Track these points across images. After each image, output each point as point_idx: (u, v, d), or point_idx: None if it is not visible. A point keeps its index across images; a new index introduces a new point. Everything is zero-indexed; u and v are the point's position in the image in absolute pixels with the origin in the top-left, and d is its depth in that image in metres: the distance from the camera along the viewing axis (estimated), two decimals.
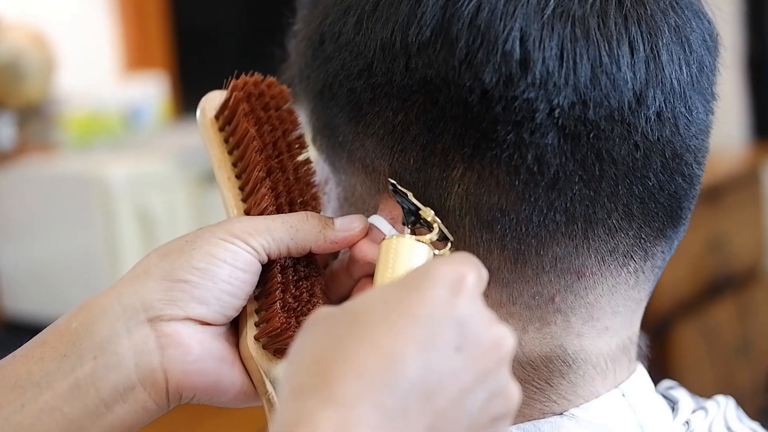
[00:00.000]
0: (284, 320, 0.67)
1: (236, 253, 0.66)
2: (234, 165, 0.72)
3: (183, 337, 0.65)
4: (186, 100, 2.67)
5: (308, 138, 0.74)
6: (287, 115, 0.72)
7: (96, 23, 2.60)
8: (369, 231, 0.69)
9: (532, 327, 0.67)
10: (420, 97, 0.65)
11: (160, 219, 2.11)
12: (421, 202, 0.66)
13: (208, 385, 0.66)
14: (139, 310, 0.65)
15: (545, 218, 0.65)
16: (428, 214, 0.66)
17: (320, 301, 0.69)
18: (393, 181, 0.67)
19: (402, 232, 0.67)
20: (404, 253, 0.65)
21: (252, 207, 0.70)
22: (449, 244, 0.66)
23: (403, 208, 0.66)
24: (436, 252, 0.66)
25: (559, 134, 0.63)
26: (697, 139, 0.68)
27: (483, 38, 0.63)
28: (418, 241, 0.65)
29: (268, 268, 0.68)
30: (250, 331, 0.67)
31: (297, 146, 0.72)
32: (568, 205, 0.64)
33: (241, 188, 0.71)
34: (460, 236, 0.65)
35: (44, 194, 2.20)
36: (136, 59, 2.63)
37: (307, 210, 0.70)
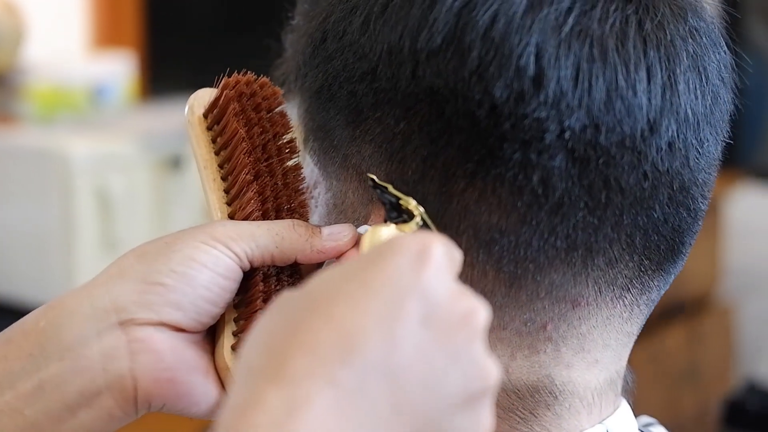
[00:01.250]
0: None
1: (217, 258, 0.63)
2: (220, 166, 0.69)
3: (155, 343, 0.62)
4: (154, 82, 2.63)
5: (299, 139, 0.71)
6: (279, 117, 0.69)
7: None
8: (358, 241, 0.66)
9: (520, 354, 0.65)
10: (425, 106, 0.62)
11: (120, 201, 2.07)
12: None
13: (180, 395, 0.62)
14: (110, 312, 0.62)
15: (546, 243, 0.62)
16: (409, 202, 0.63)
17: None
18: (372, 176, 0.64)
19: None
20: (376, 240, 0.63)
21: (237, 211, 0.67)
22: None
23: (384, 203, 0.64)
24: (406, 230, 0.63)
25: (568, 157, 0.61)
26: (705, 173, 0.66)
27: (497, 51, 0.61)
28: (399, 230, 0.63)
29: (250, 275, 0.65)
30: (227, 341, 0.64)
31: (287, 150, 0.69)
32: (570, 231, 0.62)
33: (227, 191, 0.68)
34: None
35: (2, 167, 2.15)
36: (107, 36, 2.60)
37: (294, 217, 0.67)
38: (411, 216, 0.63)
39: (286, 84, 0.72)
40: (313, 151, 0.69)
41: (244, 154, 0.67)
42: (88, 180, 2.05)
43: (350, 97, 0.65)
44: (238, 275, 0.64)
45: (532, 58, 0.61)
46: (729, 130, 0.68)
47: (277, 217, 0.67)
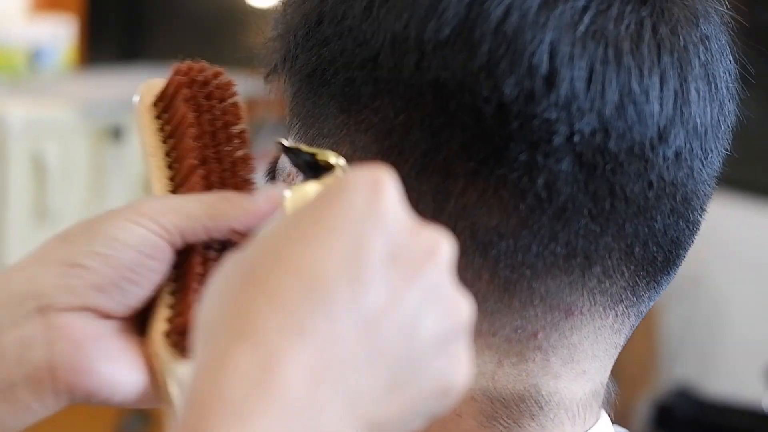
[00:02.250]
0: None
1: (143, 236, 0.58)
2: (168, 155, 0.65)
3: (75, 330, 0.57)
4: (94, 48, 2.59)
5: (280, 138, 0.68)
6: (231, 107, 0.66)
7: None
8: None
9: (508, 362, 0.63)
10: (428, 99, 0.60)
11: (56, 168, 2.03)
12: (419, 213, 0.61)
13: (102, 385, 0.58)
14: (28, 298, 0.57)
15: (545, 249, 0.60)
16: (327, 155, 0.58)
17: None
18: (282, 141, 0.61)
19: None
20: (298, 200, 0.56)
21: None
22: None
23: (300, 167, 0.60)
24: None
25: (575, 162, 0.59)
26: (707, 185, 0.64)
27: (509, 46, 0.58)
28: (323, 183, 0.57)
29: (185, 255, 0.61)
30: (159, 326, 0.60)
31: (238, 141, 0.65)
32: (570, 238, 0.60)
33: (172, 179, 0.65)
34: None
35: None
36: (47, 0, 2.55)
37: None
38: (331, 169, 0.58)
39: (270, 65, 0.69)
40: (299, 138, 0.66)
41: (191, 139, 0.64)
42: (24, 145, 2.00)
43: (346, 85, 0.62)
44: (167, 254, 0.59)
45: (545, 57, 0.58)
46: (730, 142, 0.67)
47: None
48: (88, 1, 2.64)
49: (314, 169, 0.59)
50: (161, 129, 0.66)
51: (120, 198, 1.82)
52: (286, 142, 0.60)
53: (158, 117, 0.66)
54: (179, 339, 0.59)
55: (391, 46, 0.60)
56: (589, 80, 0.59)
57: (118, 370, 0.58)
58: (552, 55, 0.58)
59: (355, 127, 0.62)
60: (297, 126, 0.66)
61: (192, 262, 0.61)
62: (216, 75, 0.66)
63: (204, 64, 0.66)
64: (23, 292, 0.58)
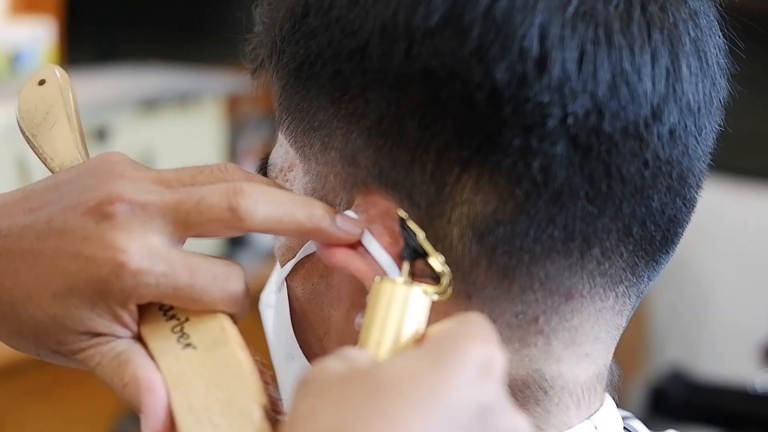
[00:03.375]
0: None
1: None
2: None
3: None
4: (73, 50, 2.57)
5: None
6: None
7: None
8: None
9: (510, 348, 0.62)
10: (420, 88, 0.59)
11: (40, 172, 2.00)
12: (406, 206, 0.60)
13: None
14: None
15: (543, 233, 0.60)
16: (437, 262, 0.60)
17: None
18: (403, 215, 0.60)
19: (397, 267, 0.60)
20: (401, 303, 0.58)
21: None
22: (448, 288, 0.60)
23: (407, 243, 0.60)
24: (432, 295, 0.59)
25: (570, 144, 0.59)
26: (701, 162, 0.64)
27: (499, 31, 0.58)
28: (423, 292, 0.59)
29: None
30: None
31: None
32: (568, 221, 0.60)
33: None
34: (446, 245, 0.60)
35: None
36: (24, 2, 2.54)
37: None
38: (433, 274, 0.60)
39: (257, 60, 0.68)
40: (289, 132, 0.66)
41: None
42: (7, 148, 1.98)
43: (335, 76, 0.62)
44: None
45: (536, 40, 0.58)
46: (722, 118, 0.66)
47: None
48: (65, 1, 2.62)
49: (416, 253, 0.60)
50: None
51: None
52: (408, 221, 0.60)
53: None
54: None
55: (379, 35, 0.60)
56: (581, 61, 0.58)
57: None
58: (542, 38, 0.58)
59: (347, 119, 0.61)
60: (287, 121, 0.66)
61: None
62: None
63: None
64: None
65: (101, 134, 2.06)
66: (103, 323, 0.59)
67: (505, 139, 0.58)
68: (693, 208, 0.65)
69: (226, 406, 0.58)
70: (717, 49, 0.64)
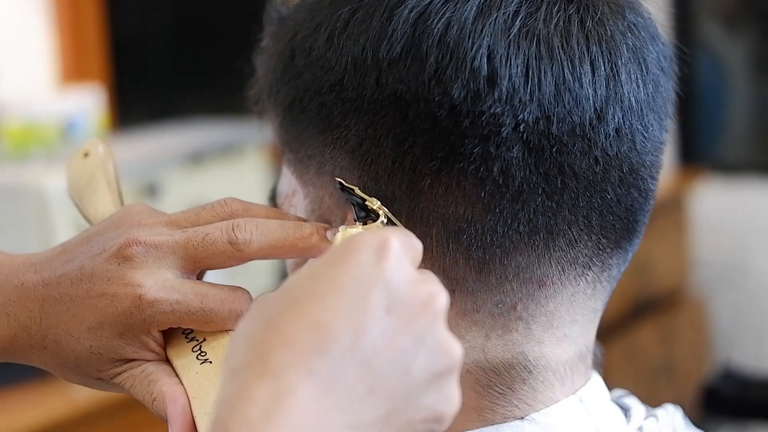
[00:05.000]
0: None
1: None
2: None
3: None
4: (122, 113, 2.67)
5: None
6: None
7: (33, 35, 2.59)
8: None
9: (494, 334, 0.70)
10: (390, 111, 0.67)
11: None
12: (392, 214, 0.68)
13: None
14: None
15: (509, 229, 0.67)
16: (373, 203, 0.67)
17: None
18: (340, 180, 0.68)
19: None
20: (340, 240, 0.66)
21: None
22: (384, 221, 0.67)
23: (352, 204, 0.68)
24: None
25: (524, 148, 0.66)
26: (652, 155, 0.71)
27: (452, 55, 0.66)
28: (365, 229, 0.67)
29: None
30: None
31: None
32: (531, 216, 0.67)
33: None
34: (427, 246, 0.67)
35: None
36: (73, 71, 2.63)
37: None
38: (377, 216, 0.68)
39: (260, 102, 0.77)
40: (289, 162, 0.74)
41: None
42: (65, 213, 2.07)
43: (320, 108, 0.70)
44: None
45: (484, 60, 0.66)
46: (673, 114, 0.73)
47: None
48: (112, 67, 2.72)
49: (364, 209, 0.68)
50: None
51: None
52: (344, 181, 0.69)
53: None
54: None
55: (353, 69, 0.68)
56: (527, 75, 0.66)
57: None
58: (490, 58, 0.66)
59: (333, 145, 0.70)
60: (287, 152, 0.74)
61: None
62: None
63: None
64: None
65: (152, 190, 2.15)
66: (131, 350, 0.68)
67: (466, 149, 0.66)
68: (651, 198, 0.72)
69: None
70: (660, 55, 0.72)
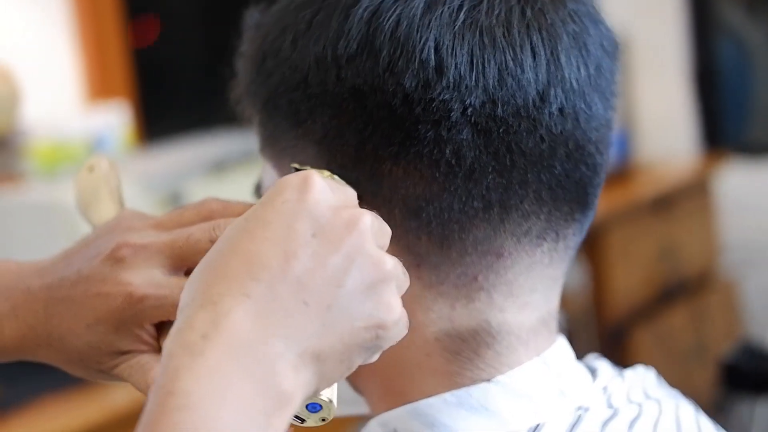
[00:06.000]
0: None
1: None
2: None
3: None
4: (148, 128, 2.73)
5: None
6: None
7: (57, 54, 2.65)
8: None
9: (459, 304, 0.74)
10: (351, 103, 0.72)
11: None
12: (359, 197, 0.73)
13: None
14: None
15: (465, 205, 0.72)
16: (323, 173, 0.72)
17: None
18: (294, 165, 0.74)
19: None
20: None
21: None
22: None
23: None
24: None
25: (473, 130, 0.71)
26: (597, 132, 0.75)
27: (402, 48, 0.71)
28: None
29: None
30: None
31: None
32: (484, 193, 0.72)
33: None
34: (392, 225, 0.72)
35: (12, 223, 2.24)
36: (99, 89, 2.69)
37: None
38: None
39: (240, 103, 0.83)
40: (268, 157, 0.80)
41: None
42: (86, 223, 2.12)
43: (290, 105, 0.75)
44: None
45: (432, 51, 0.71)
46: (617, 92, 0.78)
47: None
48: (137, 83, 2.78)
49: None
50: None
51: None
52: (297, 165, 0.74)
53: None
54: None
55: (315, 67, 0.73)
56: (471, 63, 0.71)
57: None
58: (437, 49, 0.71)
59: (303, 138, 0.75)
60: (266, 147, 0.80)
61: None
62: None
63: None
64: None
65: (176, 199, 2.21)
66: (127, 342, 0.73)
67: (420, 133, 0.71)
68: (600, 172, 0.77)
69: None
70: (602, 38, 0.76)
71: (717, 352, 3.05)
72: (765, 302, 3.39)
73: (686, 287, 3.20)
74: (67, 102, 2.65)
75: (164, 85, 2.93)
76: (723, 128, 3.58)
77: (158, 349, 0.74)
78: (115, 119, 2.55)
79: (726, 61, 3.55)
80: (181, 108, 2.88)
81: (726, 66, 3.56)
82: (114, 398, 1.97)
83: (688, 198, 3.28)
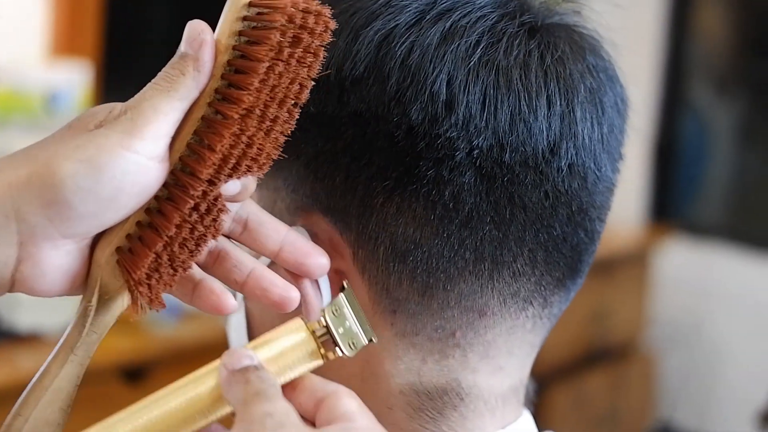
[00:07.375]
0: (151, 266, 0.65)
1: (133, 167, 0.62)
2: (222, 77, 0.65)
3: (45, 262, 0.63)
4: (107, 93, 2.67)
5: None
6: (312, 58, 0.65)
7: (28, 4, 2.60)
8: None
9: (431, 359, 0.70)
10: (350, 128, 0.68)
11: None
12: (340, 228, 0.69)
13: (45, 292, 0.64)
14: (12, 221, 0.62)
15: (456, 255, 0.68)
16: (370, 335, 0.67)
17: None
18: (345, 284, 0.68)
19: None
20: (298, 354, 0.66)
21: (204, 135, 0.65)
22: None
23: (343, 303, 0.67)
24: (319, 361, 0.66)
25: (477, 174, 0.67)
26: (602, 195, 0.72)
27: (413, 78, 0.67)
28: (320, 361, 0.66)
29: (172, 200, 0.65)
30: (116, 242, 0.64)
31: (294, 102, 0.66)
32: (478, 244, 0.68)
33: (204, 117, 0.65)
34: (373, 264, 0.68)
35: None
36: (65, 44, 2.64)
37: (252, 170, 0.65)
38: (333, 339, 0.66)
39: None
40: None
41: (248, 92, 0.64)
42: None
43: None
44: (153, 185, 0.64)
45: (444, 85, 0.67)
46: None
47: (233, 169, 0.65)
48: (104, 45, 2.72)
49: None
50: (239, 35, 0.64)
51: None
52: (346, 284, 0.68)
53: (243, 18, 0.64)
54: (126, 259, 0.65)
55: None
56: (484, 103, 0.67)
57: (63, 282, 0.64)
58: (449, 83, 0.67)
59: (294, 157, 0.70)
60: None
61: (169, 215, 0.64)
62: (318, 14, 0.65)
63: (321, 8, 0.65)
64: (7, 213, 0.61)
65: None
66: None
67: (421, 170, 0.67)
68: (596, 240, 0.73)
69: None
70: (617, 98, 0.73)
71: (630, 423, 3.05)
72: (682, 380, 3.41)
73: (610, 354, 3.20)
74: (30, 53, 2.59)
75: (130, 50, 2.87)
76: (672, 203, 3.60)
77: None
78: (76, 77, 2.49)
79: (687, 139, 3.57)
80: (145, 74, 2.82)
81: (687, 143, 3.57)
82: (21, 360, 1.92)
83: (627, 266, 3.28)
